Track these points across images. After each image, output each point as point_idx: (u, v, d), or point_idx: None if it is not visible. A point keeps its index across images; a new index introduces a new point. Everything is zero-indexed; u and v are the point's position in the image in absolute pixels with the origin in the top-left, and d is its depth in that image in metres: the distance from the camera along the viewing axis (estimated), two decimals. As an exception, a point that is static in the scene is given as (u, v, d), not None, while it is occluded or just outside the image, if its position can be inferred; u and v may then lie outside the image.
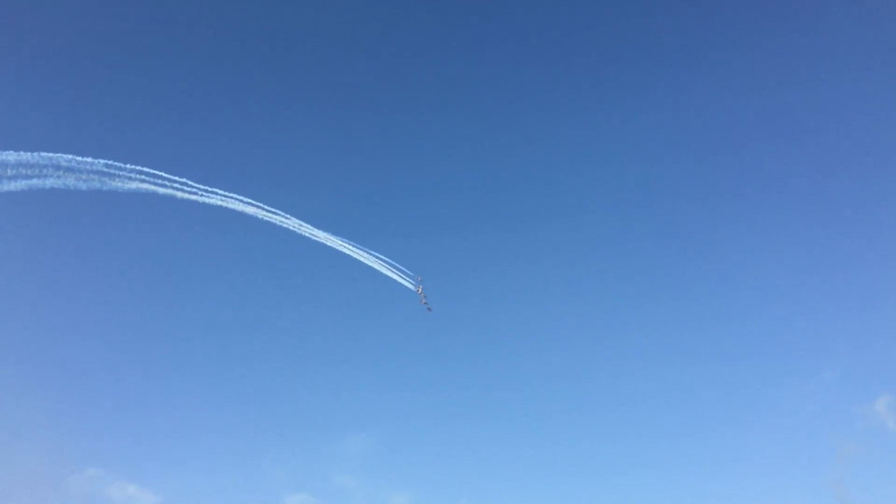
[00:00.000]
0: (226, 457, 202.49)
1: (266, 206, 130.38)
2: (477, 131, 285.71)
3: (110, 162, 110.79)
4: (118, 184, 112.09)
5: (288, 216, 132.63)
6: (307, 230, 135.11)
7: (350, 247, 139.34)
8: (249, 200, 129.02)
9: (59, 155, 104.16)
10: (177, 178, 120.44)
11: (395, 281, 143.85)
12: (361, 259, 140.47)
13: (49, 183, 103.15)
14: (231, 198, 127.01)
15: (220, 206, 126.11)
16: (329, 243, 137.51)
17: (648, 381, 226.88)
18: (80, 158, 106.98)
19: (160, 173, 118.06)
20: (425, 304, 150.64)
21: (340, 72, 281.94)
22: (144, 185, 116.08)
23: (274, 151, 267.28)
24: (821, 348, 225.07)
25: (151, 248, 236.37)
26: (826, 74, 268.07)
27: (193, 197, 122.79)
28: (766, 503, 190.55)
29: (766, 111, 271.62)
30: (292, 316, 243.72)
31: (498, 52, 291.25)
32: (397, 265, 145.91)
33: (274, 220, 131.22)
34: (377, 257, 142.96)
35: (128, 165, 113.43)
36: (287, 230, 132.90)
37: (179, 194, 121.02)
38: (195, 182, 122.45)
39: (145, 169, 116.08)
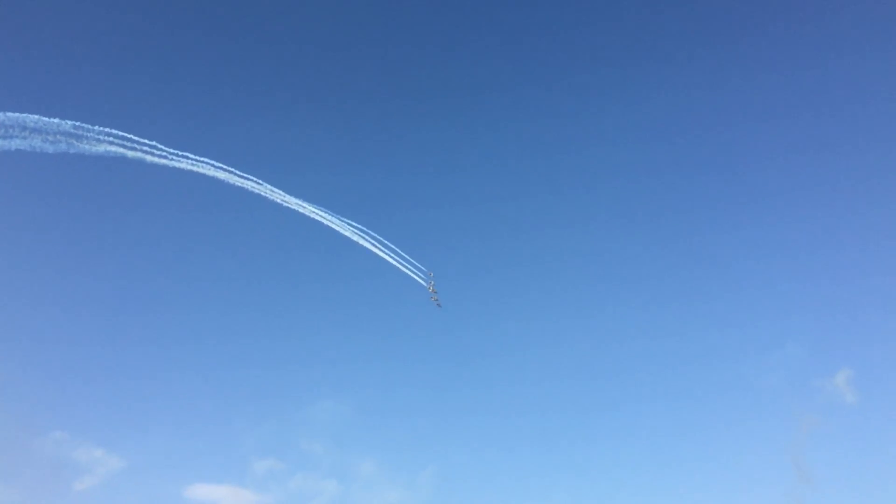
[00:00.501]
0: (194, 421, 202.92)
1: (238, 172, 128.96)
2: (488, 126, 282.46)
3: (78, 123, 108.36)
4: (86, 146, 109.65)
5: (260, 182, 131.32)
6: (279, 197, 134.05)
7: (328, 217, 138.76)
8: (221, 165, 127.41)
9: (25, 115, 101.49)
10: (146, 141, 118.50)
11: (367, 250, 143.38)
12: (368, 246, 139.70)
13: (14, 144, 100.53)
14: (202, 162, 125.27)
15: (191, 171, 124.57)
16: (302, 210, 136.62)
17: (611, 353, 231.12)
18: (46, 119, 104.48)
19: (129, 136, 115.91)
20: (436, 300, 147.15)
21: (341, 54, 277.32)
22: (113, 148, 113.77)
23: (260, 124, 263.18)
24: (784, 322, 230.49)
25: (118, 213, 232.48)
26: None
27: (163, 161, 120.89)
28: (726, 473, 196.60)
29: (738, 105, 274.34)
30: (263, 283, 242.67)
31: (508, 47, 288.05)
32: (409, 258, 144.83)
33: (246, 186, 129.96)
34: (383, 245, 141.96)
35: (96, 127, 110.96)
36: (260, 197, 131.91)
37: (149, 158, 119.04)
38: (165, 145, 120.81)
39: (114, 131, 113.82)
